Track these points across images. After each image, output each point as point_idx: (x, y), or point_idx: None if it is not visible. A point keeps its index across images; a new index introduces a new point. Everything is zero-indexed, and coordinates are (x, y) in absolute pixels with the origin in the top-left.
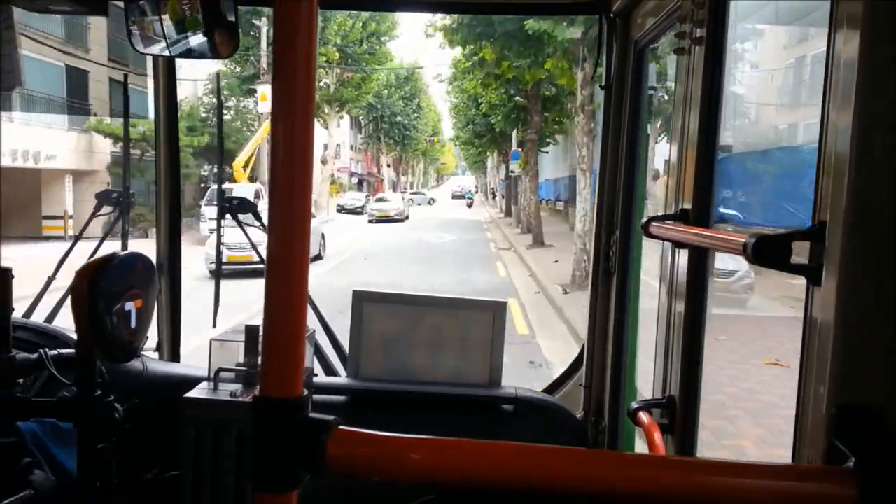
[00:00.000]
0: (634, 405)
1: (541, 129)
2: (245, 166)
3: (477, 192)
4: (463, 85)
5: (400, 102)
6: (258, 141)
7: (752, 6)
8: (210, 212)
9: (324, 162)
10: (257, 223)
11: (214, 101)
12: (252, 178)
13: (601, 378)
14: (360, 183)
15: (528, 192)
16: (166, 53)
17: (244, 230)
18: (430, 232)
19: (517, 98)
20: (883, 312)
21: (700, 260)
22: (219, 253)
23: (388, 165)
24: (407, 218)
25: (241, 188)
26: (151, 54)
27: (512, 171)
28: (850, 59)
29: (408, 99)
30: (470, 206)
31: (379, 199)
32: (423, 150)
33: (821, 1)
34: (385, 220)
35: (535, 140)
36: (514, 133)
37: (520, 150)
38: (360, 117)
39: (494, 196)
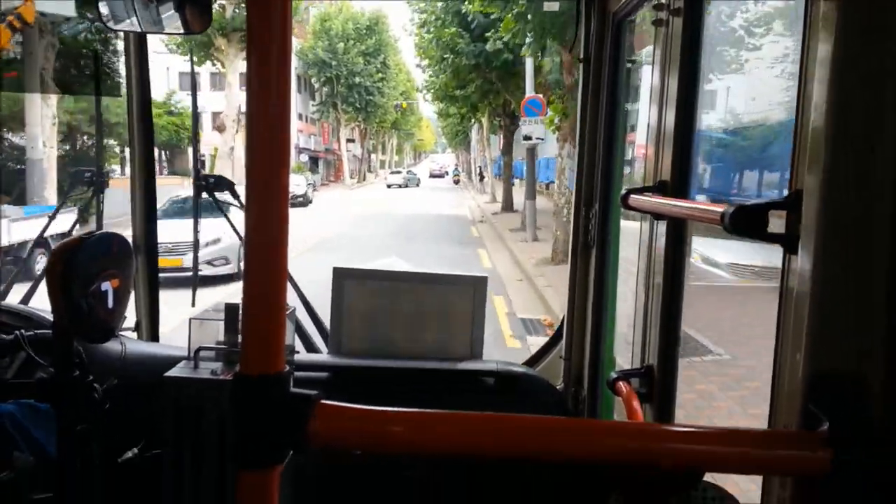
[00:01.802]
0: (613, 375)
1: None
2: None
3: (459, 174)
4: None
5: (360, 59)
6: None
7: None
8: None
9: (220, 129)
10: (235, 202)
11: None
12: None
13: (580, 349)
14: (314, 162)
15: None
16: (137, 29)
17: (220, 208)
18: (362, 250)
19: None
20: (857, 280)
21: (678, 231)
22: (196, 233)
23: (352, 140)
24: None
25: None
26: (122, 30)
27: (527, 139)
28: (828, 29)
29: (370, 55)
30: (457, 182)
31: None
32: (392, 122)
33: None
34: None
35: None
36: (530, 66)
37: (541, 98)
38: (312, 78)
39: (482, 178)
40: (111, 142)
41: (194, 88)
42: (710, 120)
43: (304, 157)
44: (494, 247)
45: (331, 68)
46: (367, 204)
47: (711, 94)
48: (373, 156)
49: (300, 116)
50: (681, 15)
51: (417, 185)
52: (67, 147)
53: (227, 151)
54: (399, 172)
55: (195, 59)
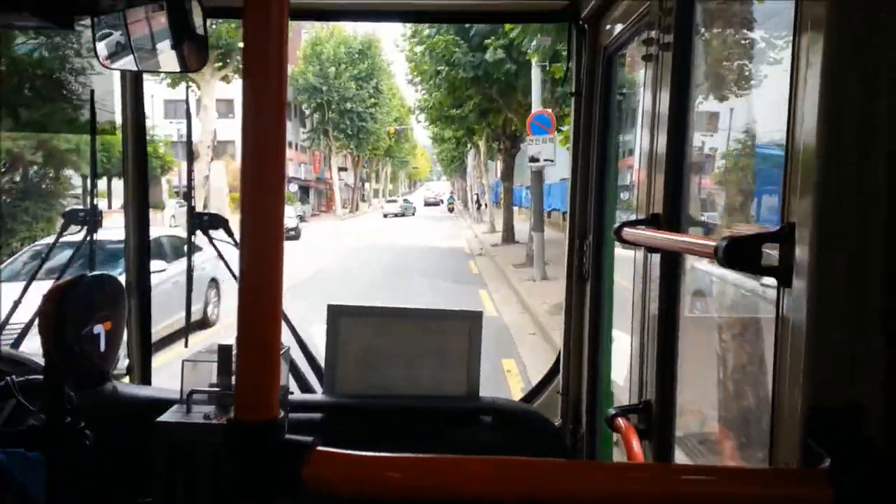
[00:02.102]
0: (612, 411)
1: None
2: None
3: (454, 201)
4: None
5: (352, 84)
6: None
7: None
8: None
9: (195, 156)
10: (230, 240)
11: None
12: None
13: (578, 385)
14: (304, 192)
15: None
16: (134, 68)
17: (215, 247)
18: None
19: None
20: (853, 312)
21: (672, 264)
22: (189, 270)
23: (344, 169)
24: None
25: None
26: (119, 69)
27: (533, 160)
28: (815, 61)
29: (362, 80)
30: (451, 210)
31: None
32: (386, 149)
33: (786, 2)
34: None
35: None
36: (538, 76)
37: (550, 113)
38: (303, 104)
39: (479, 206)
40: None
41: (189, 117)
42: (767, 135)
43: (294, 187)
44: (497, 286)
45: (322, 94)
46: (358, 236)
47: (760, 107)
48: (366, 184)
49: (290, 144)
50: (670, 49)
51: (413, 213)
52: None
53: (200, 181)
54: (395, 201)
55: (168, 81)
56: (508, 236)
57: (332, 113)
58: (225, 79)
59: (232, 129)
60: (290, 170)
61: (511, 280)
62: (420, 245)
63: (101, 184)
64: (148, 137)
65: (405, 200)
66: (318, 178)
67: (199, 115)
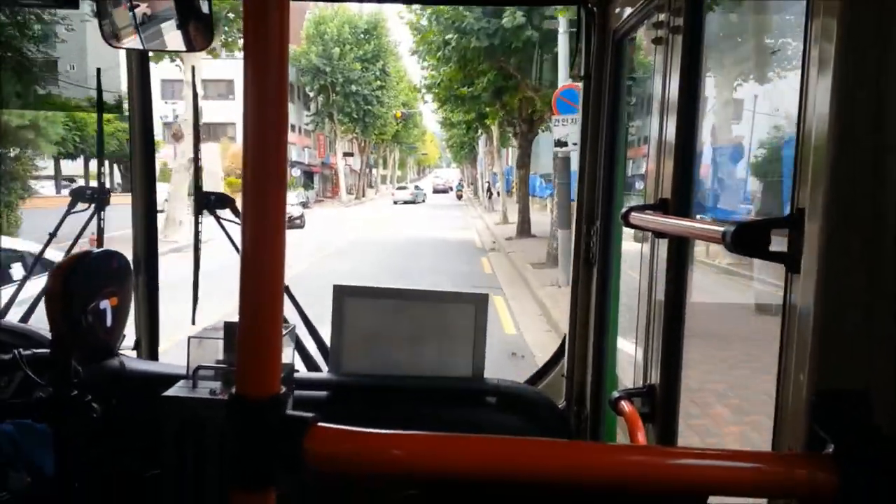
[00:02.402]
0: (616, 394)
1: None
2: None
3: (462, 188)
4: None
5: (357, 66)
6: None
7: None
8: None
9: (177, 137)
10: (236, 219)
11: None
12: None
13: (582, 368)
14: (308, 177)
15: None
16: (139, 47)
17: (222, 226)
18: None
19: None
20: (861, 299)
21: (680, 249)
22: (196, 249)
23: (350, 154)
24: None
25: None
26: (123, 48)
27: (560, 145)
28: (828, 45)
29: (368, 61)
30: (460, 197)
31: None
32: (393, 134)
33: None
34: None
35: None
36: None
37: (579, 88)
38: (306, 87)
39: (491, 195)
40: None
41: (196, 97)
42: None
43: (297, 172)
44: (515, 292)
45: (326, 75)
46: (362, 225)
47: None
48: (374, 170)
49: (293, 128)
50: (680, 32)
51: (424, 200)
52: None
53: (184, 164)
54: (406, 188)
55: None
56: (524, 229)
57: (336, 96)
58: (212, 52)
59: (228, 111)
60: (294, 154)
61: (531, 284)
62: (428, 237)
63: (80, 164)
64: (129, 114)
65: (416, 187)
66: (322, 162)
67: (184, 93)
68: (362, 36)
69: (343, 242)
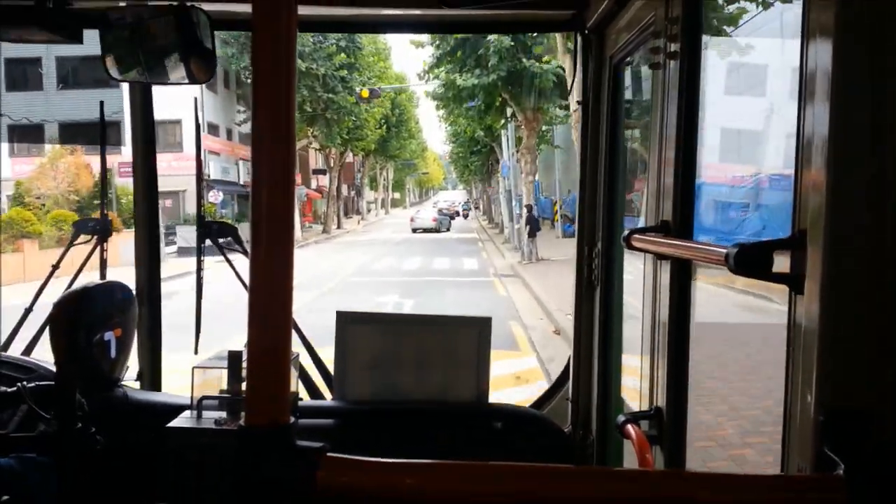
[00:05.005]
0: (622, 418)
1: None
2: None
3: (469, 209)
4: None
5: (310, 40)
6: None
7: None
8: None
9: None
10: (239, 248)
11: None
12: None
13: (588, 392)
14: (243, 202)
15: None
16: (142, 80)
17: (225, 255)
18: None
19: None
20: (865, 318)
21: (682, 271)
22: (199, 278)
23: (322, 171)
24: None
25: None
26: (127, 81)
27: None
28: (824, 69)
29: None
30: (466, 217)
31: None
32: (376, 141)
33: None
34: None
35: None
36: None
37: None
38: (232, 65)
39: (533, 230)
40: None
41: (198, 142)
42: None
43: (219, 196)
44: None
45: None
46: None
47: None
48: (370, 192)
49: (214, 129)
50: (677, 58)
51: (449, 229)
52: None
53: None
54: (424, 212)
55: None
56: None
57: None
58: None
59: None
60: (217, 169)
61: None
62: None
63: None
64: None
65: (440, 212)
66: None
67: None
68: None
69: None
